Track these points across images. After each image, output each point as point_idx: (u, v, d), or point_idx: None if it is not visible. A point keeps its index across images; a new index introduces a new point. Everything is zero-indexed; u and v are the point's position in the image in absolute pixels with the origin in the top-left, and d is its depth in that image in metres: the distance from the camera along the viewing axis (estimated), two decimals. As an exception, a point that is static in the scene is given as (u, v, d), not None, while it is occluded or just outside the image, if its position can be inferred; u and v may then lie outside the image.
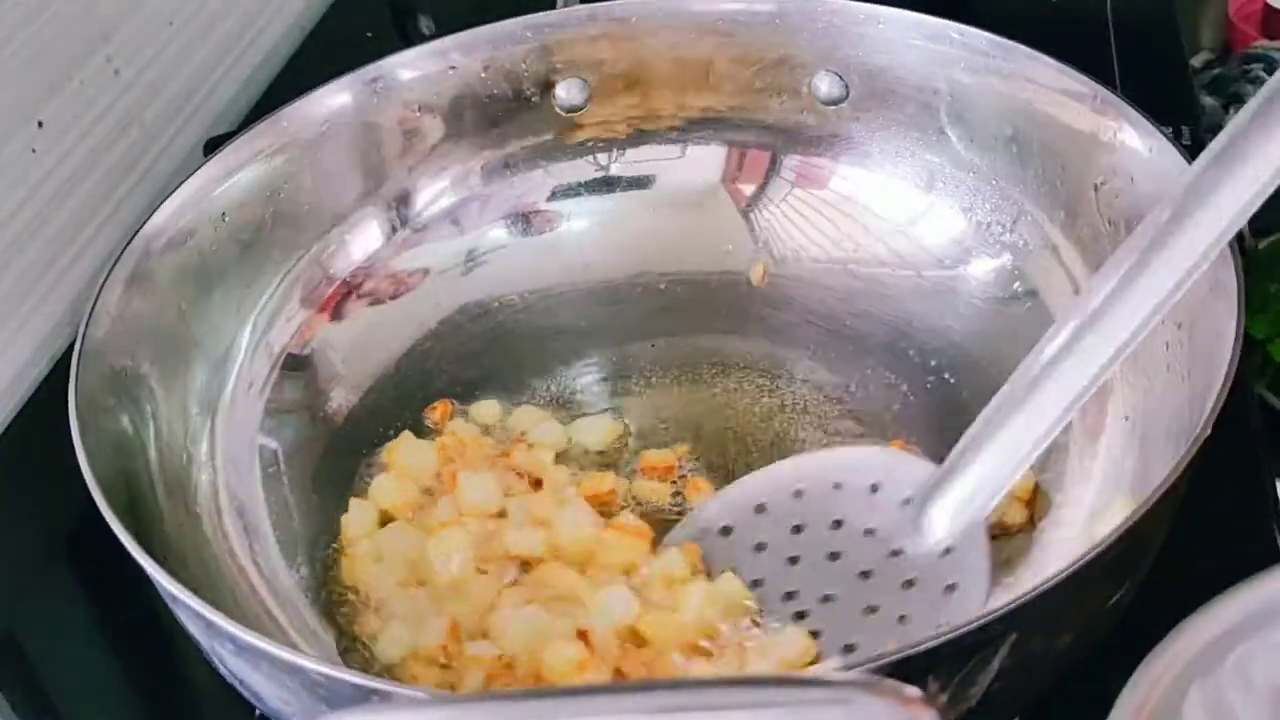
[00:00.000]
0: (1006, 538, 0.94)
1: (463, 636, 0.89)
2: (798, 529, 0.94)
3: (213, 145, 1.17)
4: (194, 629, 0.82)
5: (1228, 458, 0.81)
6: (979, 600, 0.87)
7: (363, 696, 0.70)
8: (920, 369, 1.06)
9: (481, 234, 1.17)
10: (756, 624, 0.89)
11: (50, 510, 1.04)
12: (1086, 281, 1.02)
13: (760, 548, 0.94)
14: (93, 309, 0.93)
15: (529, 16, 1.15)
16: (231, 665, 0.81)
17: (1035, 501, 0.95)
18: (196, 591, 0.78)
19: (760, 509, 0.96)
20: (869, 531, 0.92)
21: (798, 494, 0.96)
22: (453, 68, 1.14)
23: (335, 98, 1.11)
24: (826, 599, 0.91)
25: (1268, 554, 0.82)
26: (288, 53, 1.48)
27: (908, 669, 0.68)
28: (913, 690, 0.53)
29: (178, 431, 0.98)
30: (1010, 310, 1.06)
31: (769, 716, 0.52)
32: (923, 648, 0.69)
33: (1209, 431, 0.78)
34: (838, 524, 0.93)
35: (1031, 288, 1.06)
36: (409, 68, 1.13)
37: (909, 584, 0.89)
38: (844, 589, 0.91)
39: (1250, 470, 0.96)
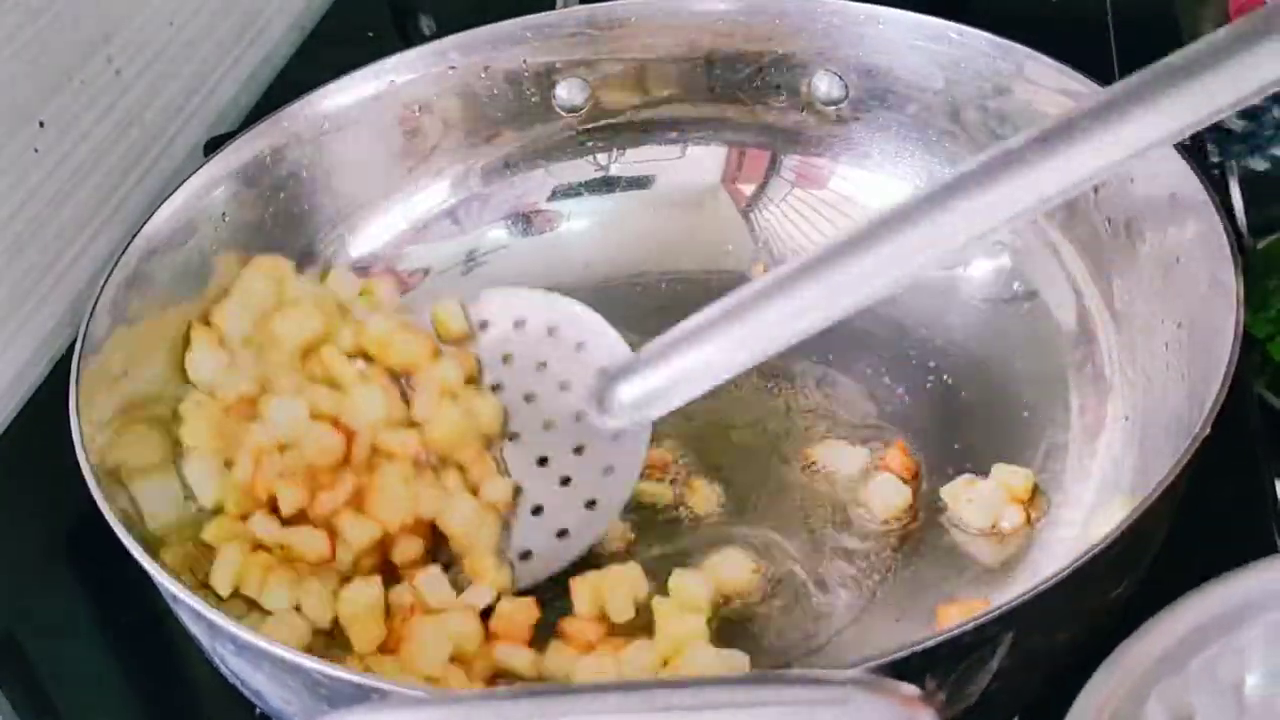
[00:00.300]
0: (1004, 538, 0.94)
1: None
2: (506, 358, 0.97)
3: (213, 145, 1.17)
4: (195, 628, 0.82)
5: (1227, 457, 0.81)
6: (623, 491, 0.92)
7: (363, 695, 0.70)
8: (920, 369, 1.06)
9: (481, 234, 1.17)
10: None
11: (50, 510, 1.04)
12: (1085, 284, 1.03)
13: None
14: (93, 309, 0.93)
15: (529, 17, 1.15)
16: (232, 665, 0.81)
17: (1034, 501, 0.95)
18: (197, 591, 0.78)
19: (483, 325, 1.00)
20: (564, 385, 0.95)
21: (518, 324, 0.99)
22: (453, 68, 1.14)
23: (335, 98, 1.11)
24: (513, 436, 0.96)
25: (1267, 552, 0.82)
26: (288, 53, 1.48)
27: (906, 668, 0.68)
28: (910, 689, 0.53)
29: (176, 430, 0.98)
30: (1010, 310, 1.06)
31: (767, 715, 0.52)
32: (921, 647, 0.69)
33: (1209, 430, 0.78)
34: (541, 366, 0.96)
35: (1031, 288, 1.06)
36: (409, 68, 1.13)
37: (579, 450, 0.92)
38: (528, 433, 0.96)
39: (1250, 469, 0.96)
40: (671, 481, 1.01)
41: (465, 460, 0.94)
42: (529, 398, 0.98)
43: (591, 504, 0.94)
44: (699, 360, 0.89)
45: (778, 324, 0.86)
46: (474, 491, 0.94)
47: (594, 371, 0.95)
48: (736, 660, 0.87)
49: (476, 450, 0.95)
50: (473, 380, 0.99)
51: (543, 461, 0.95)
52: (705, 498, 0.99)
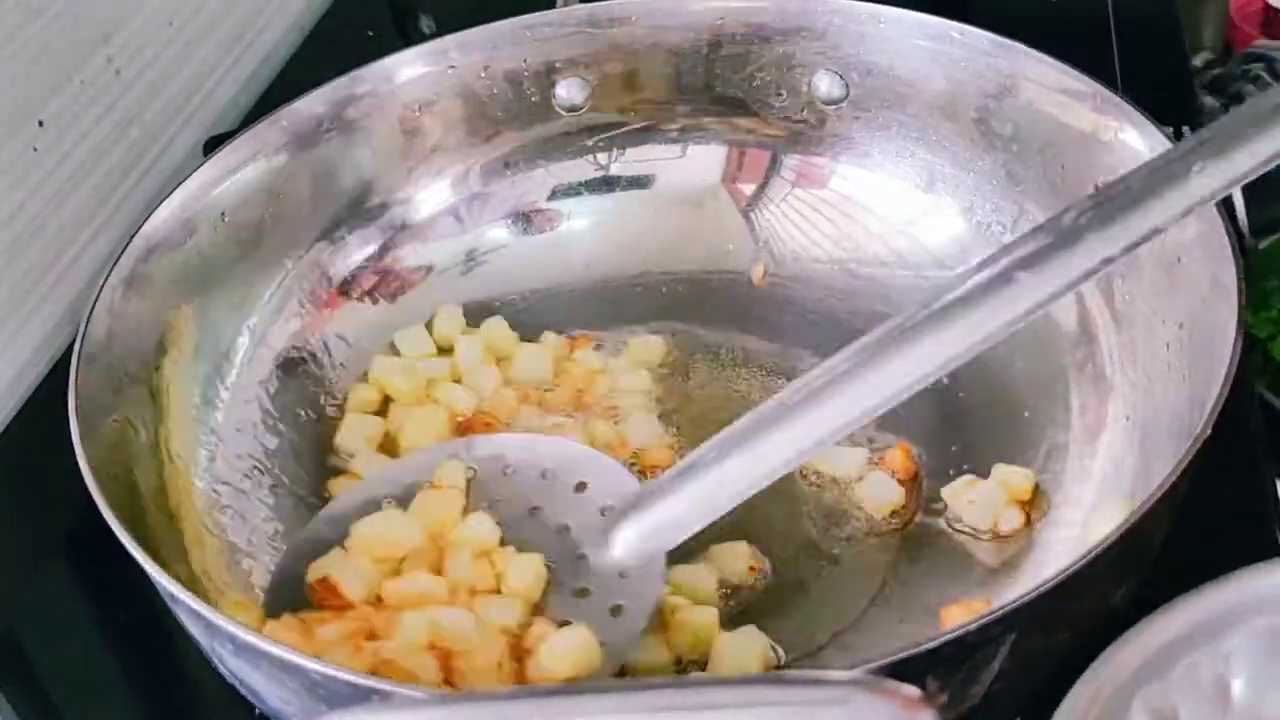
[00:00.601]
0: (1005, 539, 0.94)
1: None
2: (493, 505, 0.93)
3: (213, 145, 1.17)
4: (193, 628, 0.82)
5: (1228, 457, 0.80)
6: (634, 631, 0.86)
7: (362, 696, 0.70)
8: (920, 369, 1.06)
9: (482, 233, 1.17)
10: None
11: (50, 510, 1.04)
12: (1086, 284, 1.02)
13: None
14: (93, 309, 0.93)
15: (529, 16, 1.15)
16: (231, 665, 0.81)
17: (1034, 502, 0.95)
18: (195, 591, 0.78)
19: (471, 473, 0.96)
20: (563, 528, 0.91)
21: (505, 471, 0.95)
22: (453, 67, 1.14)
23: (335, 97, 1.11)
24: None
25: (1268, 553, 0.82)
26: (288, 53, 1.48)
27: (908, 669, 0.68)
28: (911, 689, 0.53)
29: (177, 431, 0.98)
30: (1010, 310, 1.06)
31: (768, 716, 0.52)
32: (923, 648, 0.69)
33: (1210, 431, 0.78)
34: (534, 510, 0.92)
35: (1032, 289, 1.05)
36: (409, 67, 1.13)
37: (583, 592, 0.88)
38: None
39: (1250, 469, 0.96)
40: None
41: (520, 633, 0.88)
42: (520, 546, 0.91)
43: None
44: (709, 487, 0.85)
45: (792, 442, 0.84)
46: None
47: (595, 510, 0.91)
48: (755, 639, 0.88)
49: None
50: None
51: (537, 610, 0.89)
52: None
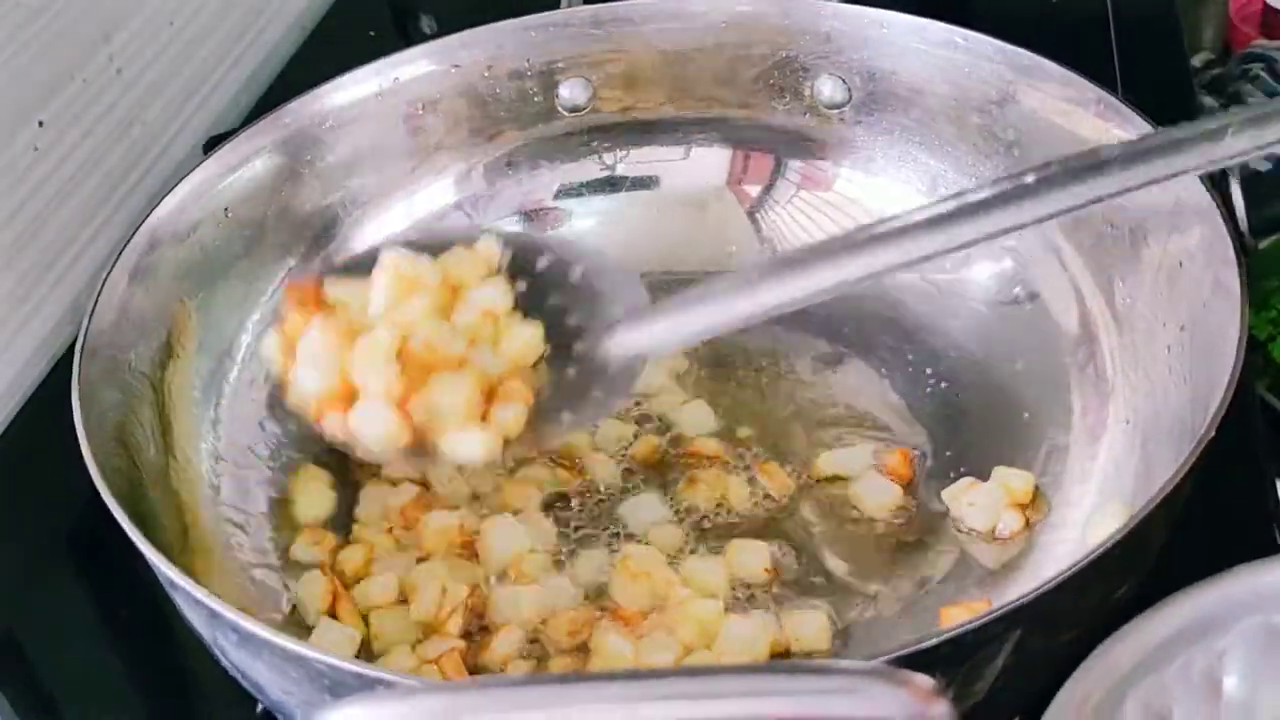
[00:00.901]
0: (1005, 540, 0.94)
1: None
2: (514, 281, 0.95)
3: (213, 145, 1.17)
4: (196, 620, 0.82)
5: (1229, 457, 0.80)
6: (597, 413, 0.92)
7: (366, 687, 0.70)
8: (921, 371, 1.06)
9: (481, 232, 1.16)
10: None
11: (50, 510, 1.03)
12: (1087, 286, 1.03)
13: None
14: (96, 302, 0.93)
15: (533, 16, 1.15)
16: (234, 657, 0.81)
17: (1035, 503, 0.95)
18: (198, 583, 0.78)
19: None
20: (571, 319, 0.93)
21: (537, 261, 0.96)
22: (456, 66, 1.14)
23: (338, 95, 1.11)
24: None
25: (1269, 553, 0.82)
26: (288, 53, 1.48)
27: (912, 665, 0.68)
28: (925, 680, 0.53)
29: (179, 426, 0.98)
30: (1012, 313, 1.06)
31: (781, 705, 0.52)
32: (929, 643, 0.69)
33: (1213, 433, 0.78)
34: (549, 298, 0.94)
35: (1033, 291, 1.06)
36: (412, 66, 1.13)
37: (568, 373, 0.90)
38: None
39: (1252, 470, 0.96)
40: (747, 468, 1.02)
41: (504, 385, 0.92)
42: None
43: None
44: (702, 315, 0.89)
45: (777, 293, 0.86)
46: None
47: (605, 316, 0.93)
48: (765, 623, 0.89)
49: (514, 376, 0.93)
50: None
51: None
52: (780, 481, 1.00)
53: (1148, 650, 0.68)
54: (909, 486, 0.99)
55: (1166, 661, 0.68)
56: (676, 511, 0.99)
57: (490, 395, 0.88)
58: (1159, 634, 0.69)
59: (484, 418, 0.88)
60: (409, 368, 0.86)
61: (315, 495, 0.99)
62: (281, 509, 1.00)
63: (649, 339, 0.90)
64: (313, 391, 0.88)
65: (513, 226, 1.17)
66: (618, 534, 0.98)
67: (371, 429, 0.86)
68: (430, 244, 0.93)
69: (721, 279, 0.86)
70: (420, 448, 0.87)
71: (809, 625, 0.91)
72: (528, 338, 0.90)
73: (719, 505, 0.99)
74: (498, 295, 0.91)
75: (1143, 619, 0.68)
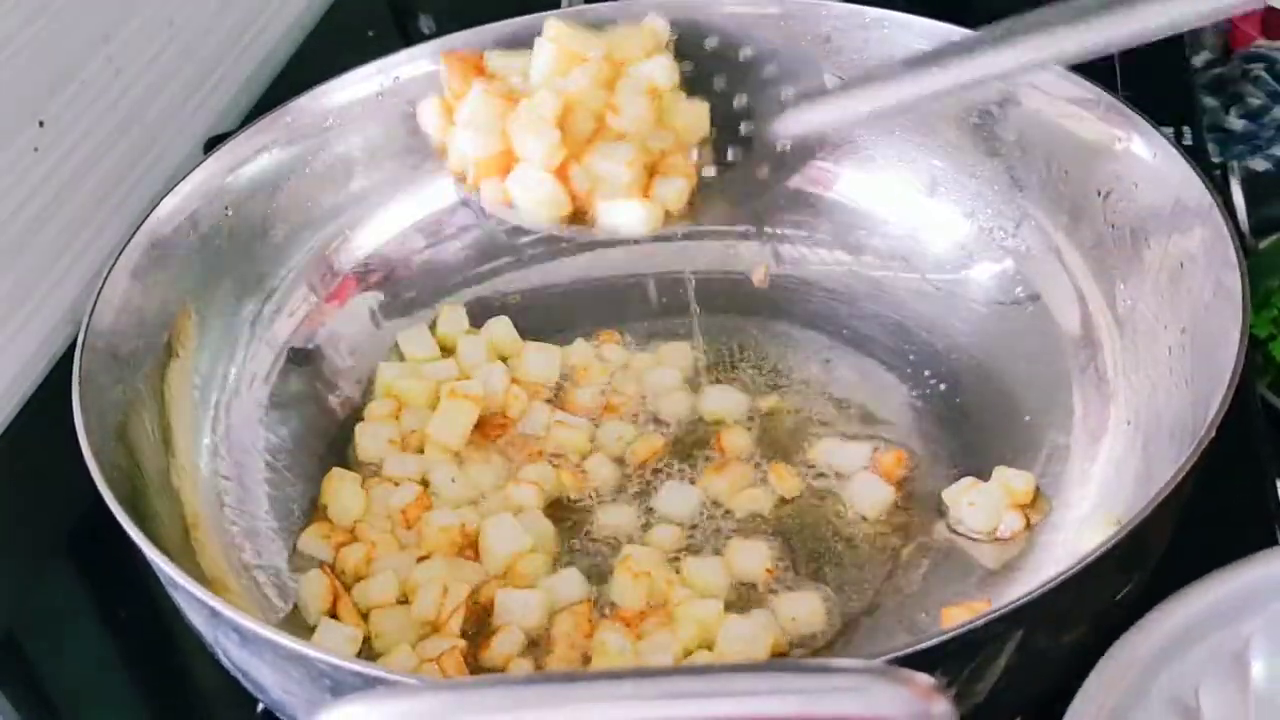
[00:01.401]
0: (1006, 541, 0.94)
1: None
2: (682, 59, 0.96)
3: (213, 145, 1.17)
4: (197, 619, 0.82)
5: (1230, 457, 0.80)
6: (762, 189, 0.93)
7: (367, 685, 0.70)
8: (922, 372, 1.06)
9: (484, 231, 1.16)
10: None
11: (51, 509, 1.04)
12: (1089, 288, 1.03)
13: None
14: (97, 299, 0.93)
15: (533, 16, 1.15)
16: (235, 656, 0.81)
17: (1035, 504, 0.95)
18: (199, 582, 0.78)
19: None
20: (739, 100, 0.95)
21: (705, 42, 0.99)
22: (457, 65, 1.14)
23: (338, 95, 1.11)
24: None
25: (1270, 552, 0.82)
26: (288, 53, 1.48)
27: (915, 664, 0.68)
28: (926, 679, 0.53)
29: (180, 425, 0.98)
30: (1012, 314, 1.06)
31: (785, 704, 0.52)
32: (932, 642, 0.69)
33: (1213, 434, 0.78)
34: (718, 78, 0.95)
35: (1034, 291, 1.06)
36: (412, 66, 1.13)
37: (734, 155, 0.92)
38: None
39: (1252, 469, 0.96)
40: (757, 465, 1.02)
41: (666, 160, 0.94)
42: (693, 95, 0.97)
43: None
44: (866, 98, 0.91)
45: (935, 78, 0.89)
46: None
47: (775, 96, 0.94)
48: (762, 623, 0.89)
49: (678, 152, 0.94)
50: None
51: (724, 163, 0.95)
52: (790, 481, 1.00)
53: (1172, 637, 0.68)
54: (903, 487, 0.99)
55: (1191, 647, 0.68)
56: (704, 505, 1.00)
57: (653, 170, 0.89)
58: (1183, 620, 0.69)
59: (645, 192, 0.88)
60: (570, 136, 0.86)
61: (348, 497, 0.99)
62: (282, 507, 1.00)
63: (820, 119, 0.91)
64: (471, 156, 0.88)
65: (509, 230, 1.15)
66: (618, 534, 0.98)
67: (531, 195, 0.87)
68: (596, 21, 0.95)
69: (889, 65, 0.90)
70: (579, 217, 0.88)
71: (804, 606, 0.91)
72: (693, 115, 0.91)
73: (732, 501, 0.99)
74: (662, 72, 0.92)
75: (1166, 605, 0.69)
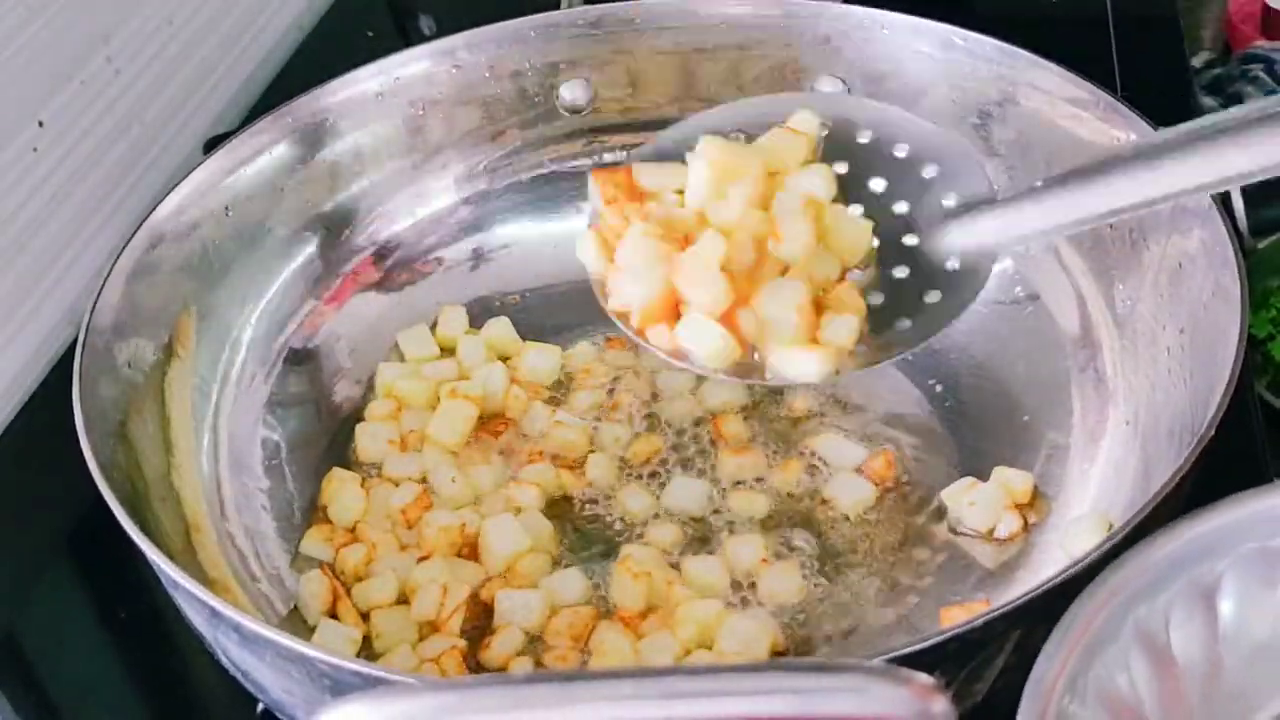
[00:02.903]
0: (1004, 541, 0.94)
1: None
2: (836, 164, 0.90)
3: (213, 145, 1.17)
4: (197, 619, 0.82)
5: (1229, 457, 0.81)
6: (937, 322, 0.86)
7: (367, 685, 0.70)
8: (921, 372, 1.06)
9: (485, 231, 1.17)
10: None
11: (50, 510, 1.03)
12: (1088, 288, 1.02)
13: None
14: (97, 300, 0.93)
15: (535, 17, 1.15)
16: (234, 656, 0.81)
17: (1034, 504, 0.95)
18: (199, 582, 0.78)
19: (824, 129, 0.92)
20: (901, 208, 0.89)
21: (858, 137, 0.91)
22: (457, 66, 1.14)
23: (339, 95, 1.11)
24: None
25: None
26: (288, 53, 1.48)
27: (913, 665, 0.68)
28: (925, 678, 0.53)
29: (180, 425, 0.98)
30: (1012, 314, 1.06)
31: (784, 704, 0.52)
32: (931, 641, 0.69)
33: (1212, 434, 0.78)
34: (876, 184, 0.90)
35: (1033, 291, 1.06)
36: (412, 66, 1.13)
37: (900, 274, 0.87)
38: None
39: (1251, 469, 0.96)
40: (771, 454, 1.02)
41: (824, 288, 0.88)
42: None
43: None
44: (1061, 203, 0.83)
45: (1129, 188, 0.80)
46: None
47: (938, 200, 0.88)
48: (763, 621, 0.89)
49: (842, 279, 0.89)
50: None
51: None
52: (794, 473, 1.00)
53: (1148, 575, 0.68)
54: (899, 488, 0.99)
55: (1166, 585, 0.69)
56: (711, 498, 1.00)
57: (818, 302, 0.85)
58: (1159, 559, 0.69)
59: (814, 332, 0.84)
60: (734, 271, 0.84)
61: (348, 497, 0.99)
62: (283, 507, 1.00)
63: (995, 232, 0.84)
64: (636, 302, 0.86)
65: (510, 230, 1.18)
66: (618, 534, 0.98)
67: (701, 346, 0.84)
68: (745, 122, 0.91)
69: (1087, 165, 0.82)
70: (749, 363, 0.86)
71: (784, 580, 0.92)
72: (856, 230, 0.86)
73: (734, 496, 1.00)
74: (821, 183, 0.88)
75: (1143, 545, 0.69)
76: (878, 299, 0.87)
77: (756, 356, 0.86)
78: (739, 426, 1.04)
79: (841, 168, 0.90)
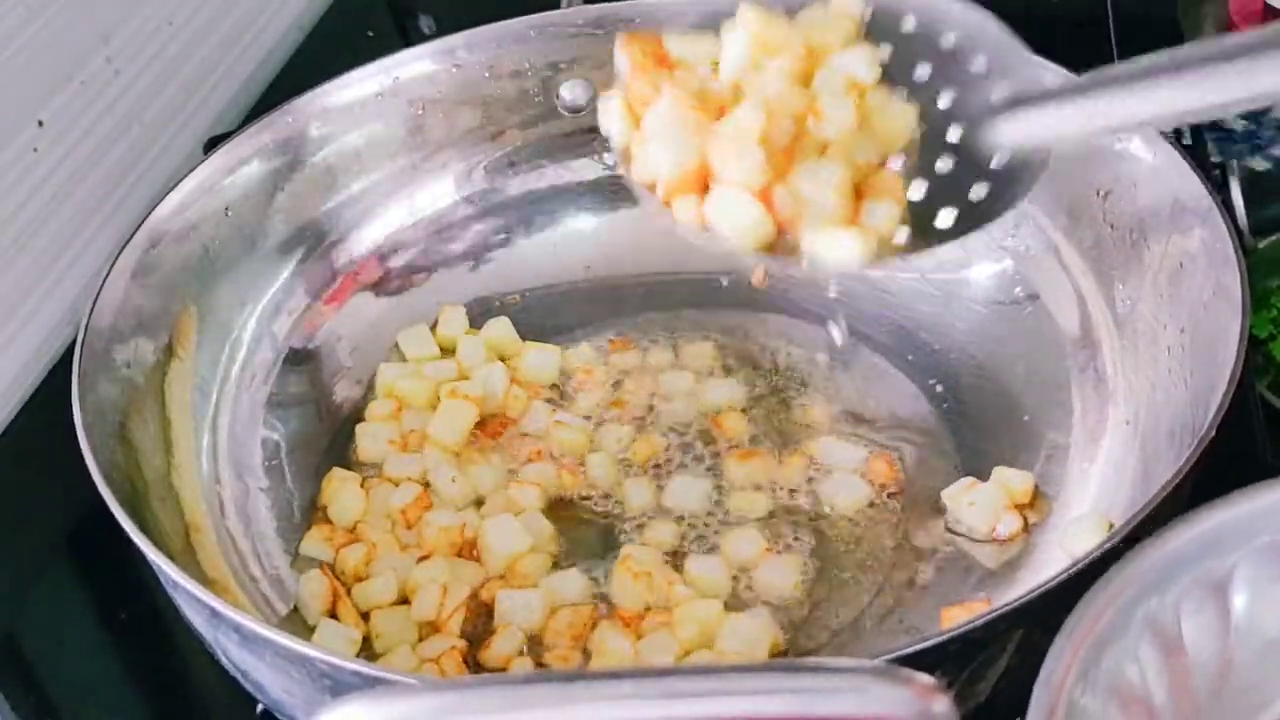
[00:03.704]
0: (1005, 541, 0.94)
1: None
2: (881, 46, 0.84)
3: (213, 145, 1.17)
4: (197, 620, 0.82)
5: (1229, 457, 0.81)
6: (987, 215, 0.81)
7: (367, 685, 0.70)
8: (921, 372, 1.06)
9: (485, 231, 1.17)
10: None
11: (50, 510, 1.03)
12: (1088, 288, 1.02)
13: None
14: (96, 300, 0.93)
15: (535, 16, 1.15)
16: (234, 656, 0.81)
17: (1034, 504, 0.95)
18: (199, 582, 0.78)
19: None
20: (947, 98, 0.83)
21: (904, 25, 0.85)
22: (457, 66, 1.14)
23: (339, 95, 1.11)
24: None
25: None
26: (288, 53, 1.48)
27: (913, 665, 0.68)
28: (926, 678, 0.53)
29: (180, 425, 0.98)
30: (1011, 313, 1.06)
31: (784, 703, 0.52)
32: (933, 641, 0.69)
33: (1213, 433, 0.78)
34: (923, 70, 0.84)
35: (1033, 291, 1.06)
36: (412, 66, 1.13)
37: (944, 167, 0.82)
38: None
39: (1252, 469, 0.95)
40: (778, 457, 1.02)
41: (865, 173, 0.83)
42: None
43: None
44: (1104, 104, 0.76)
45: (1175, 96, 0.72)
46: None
47: (985, 93, 0.82)
48: (763, 621, 0.89)
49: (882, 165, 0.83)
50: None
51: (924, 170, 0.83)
52: (795, 473, 1.00)
53: (1159, 568, 0.68)
54: (900, 488, 0.99)
55: (1177, 579, 0.68)
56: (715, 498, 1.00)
57: (859, 187, 0.80)
58: (1171, 551, 0.69)
59: (854, 217, 0.79)
60: (771, 148, 0.79)
61: (349, 497, 0.99)
62: (283, 507, 1.00)
63: (1043, 128, 0.79)
64: (664, 173, 0.82)
65: (510, 230, 1.18)
66: (618, 534, 0.98)
67: (733, 220, 0.79)
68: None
69: (1128, 66, 0.75)
70: (782, 244, 0.80)
71: (783, 572, 0.93)
72: (900, 116, 0.81)
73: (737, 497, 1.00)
74: (864, 64, 0.82)
75: (1156, 537, 0.68)
76: (920, 189, 0.81)
77: (789, 239, 0.80)
78: (740, 424, 1.04)
79: (884, 53, 0.84)
